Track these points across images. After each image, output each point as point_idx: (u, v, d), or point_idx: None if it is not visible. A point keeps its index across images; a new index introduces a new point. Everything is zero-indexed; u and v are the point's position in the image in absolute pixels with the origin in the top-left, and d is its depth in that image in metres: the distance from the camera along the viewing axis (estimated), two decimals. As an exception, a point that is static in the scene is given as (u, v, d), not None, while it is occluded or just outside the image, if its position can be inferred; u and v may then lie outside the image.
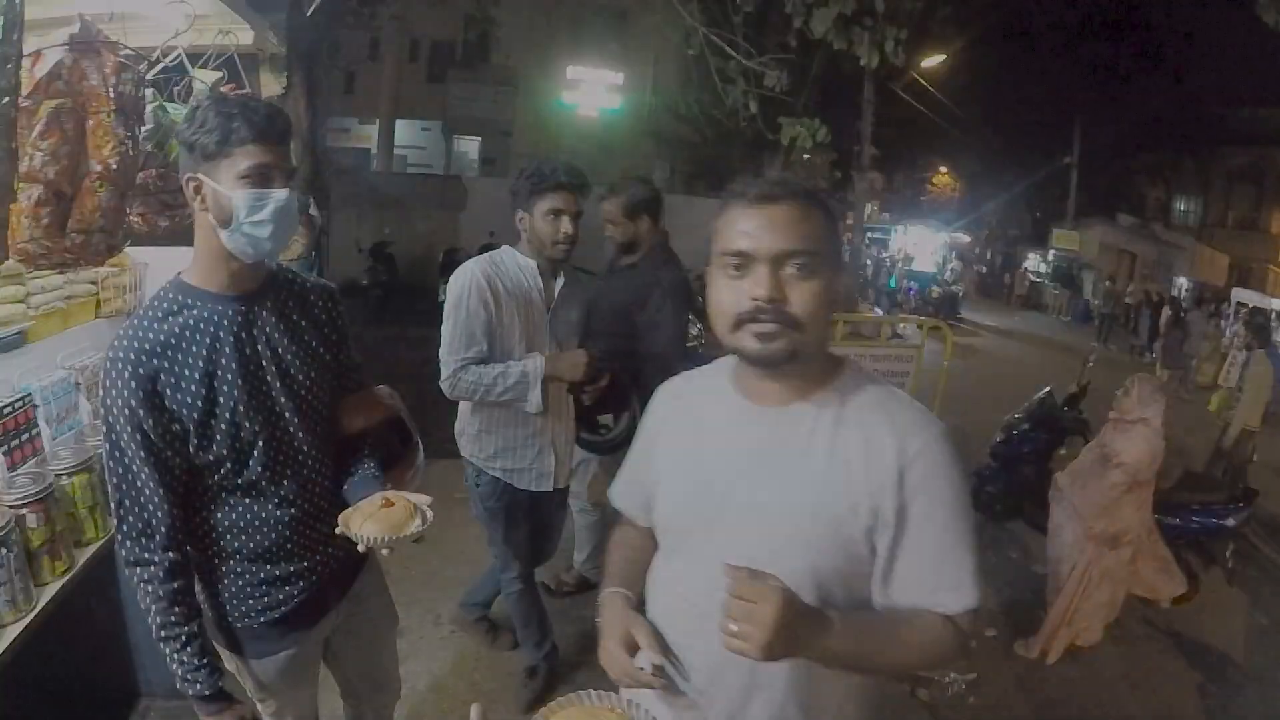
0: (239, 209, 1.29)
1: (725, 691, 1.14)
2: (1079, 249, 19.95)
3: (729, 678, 1.13)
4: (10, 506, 1.73)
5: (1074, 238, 20.12)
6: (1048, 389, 5.13)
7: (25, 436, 1.98)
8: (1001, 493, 4.75)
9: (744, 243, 1.04)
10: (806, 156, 14.18)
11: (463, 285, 2.27)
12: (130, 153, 1.98)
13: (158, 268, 2.65)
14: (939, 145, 21.28)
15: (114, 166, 1.91)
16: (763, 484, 1.11)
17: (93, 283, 2.47)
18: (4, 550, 1.64)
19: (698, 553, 1.16)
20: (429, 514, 1.47)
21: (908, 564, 1.08)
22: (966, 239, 22.10)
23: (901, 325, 9.11)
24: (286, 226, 1.35)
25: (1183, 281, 17.97)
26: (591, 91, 15.61)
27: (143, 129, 2.12)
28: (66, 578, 1.86)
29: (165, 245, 2.45)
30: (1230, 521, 3.88)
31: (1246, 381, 5.84)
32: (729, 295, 1.07)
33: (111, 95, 1.89)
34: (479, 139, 19.84)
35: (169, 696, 2.45)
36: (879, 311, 12.48)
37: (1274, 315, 12.19)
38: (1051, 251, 20.99)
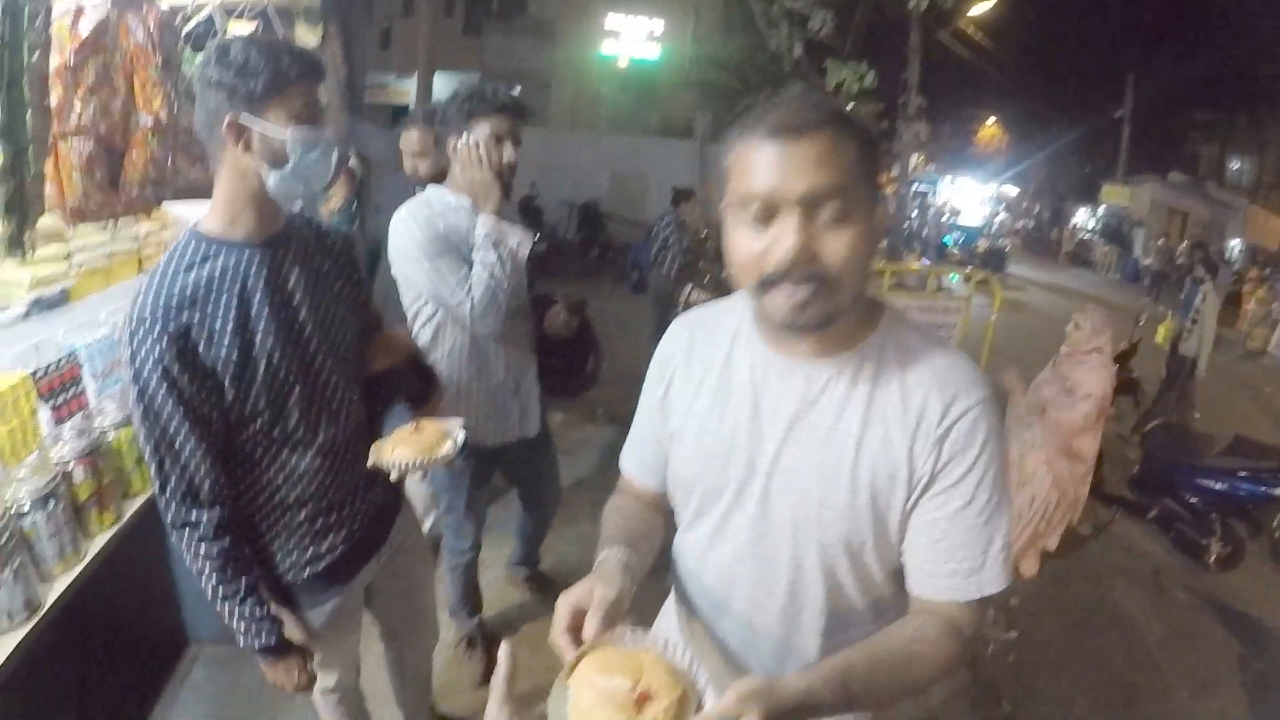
0: (295, 148, 1.27)
1: (758, 659, 1.10)
2: (1129, 206, 19.29)
3: (762, 647, 1.10)
4: (57, 462, 1.77)
5: (1124, 194, 19.40)
6: None
7: (71, 393, 2.01)
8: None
9: (766, 184, 0.87)
10: (852, 105, 13.86)
11: (411, 233, 2.04)
12: (177, 105, 1.99)
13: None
14: (987, 96, 20.62)
15: (164, 119, 1.92)
16: (795, 446, 1.00)
17: (135, 239, 2.49)
18: (52, 504, 1.68)
19: (724, 519, 1.08)
20: (460, 436, 1.47)
21: (929, 536, 0.98)
22: (1014, 192, 21.48)
23: (948, 277, 8.91)
24: (339, 164, 1.34)
25: (1235, 243, 17.30)
26: (631, 41, 15.30)
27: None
28: (114, 529, 1.90)
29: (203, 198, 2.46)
30: (1279, 491, 3.77)
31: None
32: (751, 249, 0.91)
33: (157, 48, 1.89)
34: (518, 90, 19.66)
35: (217, 642, 2.54)
36: (926, 263, 12.25)
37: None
38: (1101, 207, 20.30)
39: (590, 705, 0.77)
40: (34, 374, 1.86)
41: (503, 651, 0.83)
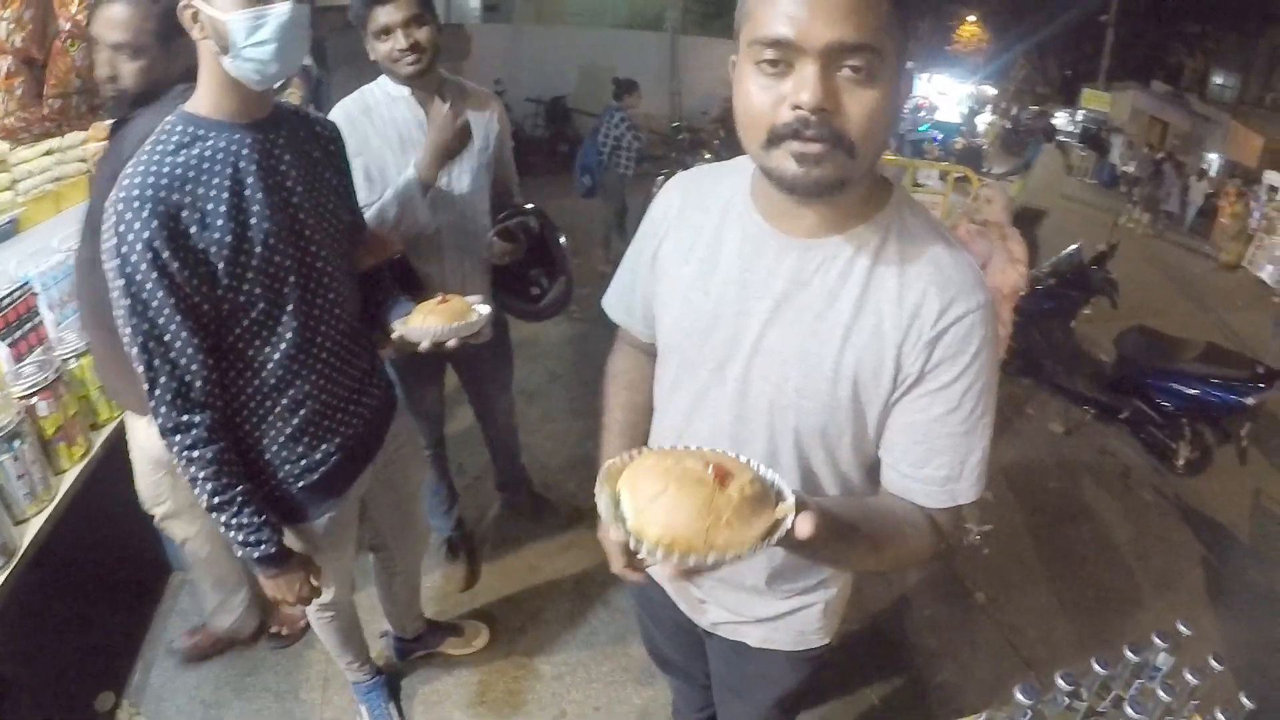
0: (236, 31, 1.17)
1: None
2: (1110, 111, 19.09)
3: None
4: (20, 397, 1.71)
5: (1105, 99, 19.08)
6: (1076, 245, 4.94)
7: (28, 326, 1.95)
8: (1022, 349, 4.71)
9: (786, 27, 0.76)
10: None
11: (341, 128, 1.90)
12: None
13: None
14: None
15: (84, 22, 1.77)
16: (781, 327, 0.95)
17: (82, 160, 2.37)
18: (18, 442, 1.63)
19: (702, 396, 1.04)
20: (485, 309, 1.45)
21: (909, 437, 0.95)
22: (993, 91, 21.16)
23: (925, 172, 8.84)
24: (294, 43, 1.22)
25: (1214, 157, 17.26)
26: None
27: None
28: (85, 462, 1.87)
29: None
30: (1250, 400, 3.82)
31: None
32: (762, 99, 0.81)
33: None
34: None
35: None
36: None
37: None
38: (1080, 112, 20.09)
39: (658, 491, 0.67)
40: (-13, 308, 1.79)
41: None
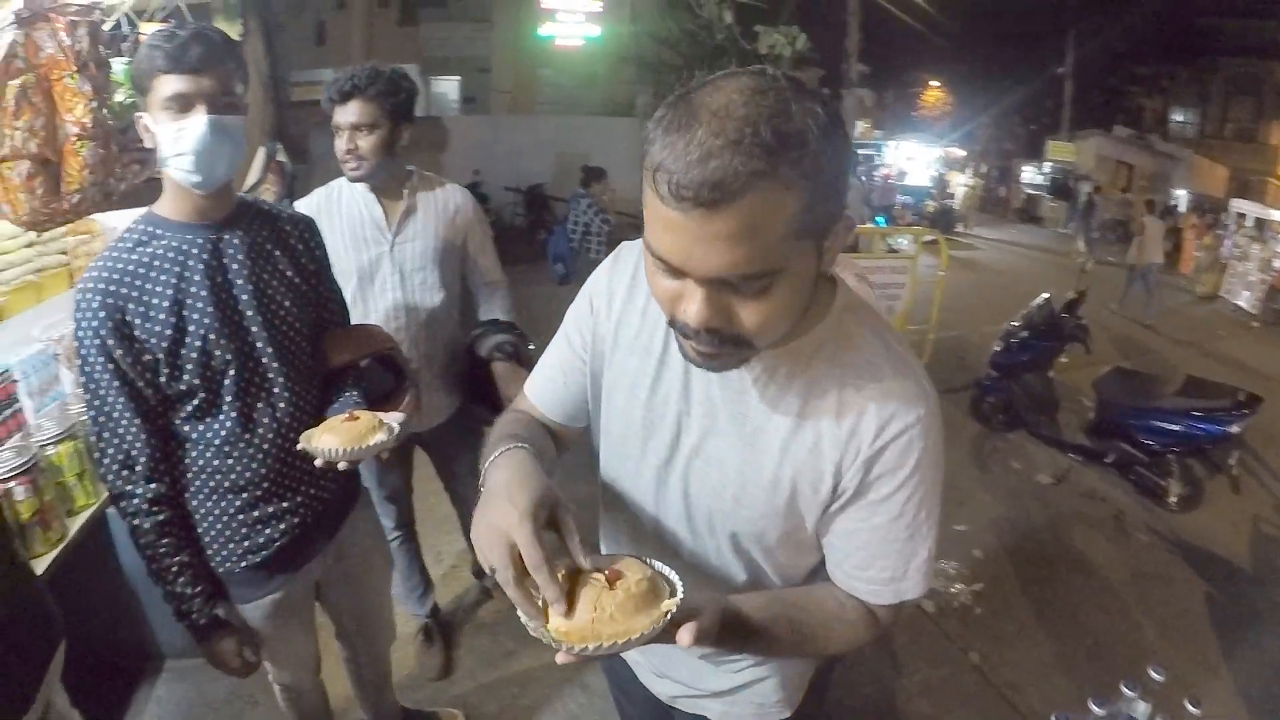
0: (161, 141, 1.30)
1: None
2: (1075, 160, 19.64)
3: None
4: (-4, 483, 1.71)
5: (1069, 149, 19.65)
6: (1046, 296, 5.07)
7: (7, 412, 1.96)
8: (1003, 403, 4.79)
9: (670, 254, 0.73)
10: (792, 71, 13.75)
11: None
12: (105, 105, 2.01)
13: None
14: (929, 59, 20.75)
15: (89, 123, 1.95)
16: (718, 436, 0.95)
17: (63, 253, 2.42)
18: (-8, 526, 1.62)
19: (657, 492, 1.02)
20: (396, 428, 1.44)
21: (850, 542, 0.94)
22: (961, 153, 21.77)
23: (896, 238, 9.08)
24: (213, 155, 1.31)
25: (1181, 193, 17.75)
26: (569, 21, 15.13)
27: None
28: (60, 548, 1.85)
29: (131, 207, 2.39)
30: (1234, 428, 3.85)
31: None
32: (660, 291, 0.79)
33: (69, 57, 1.91)
34: (457, 79, 19.46)
35: (192, 655, 2.47)
36: (880, 224, 12.48)
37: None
38: (1047, 164, 20.66)
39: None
40: (-35, 396, 1.80)
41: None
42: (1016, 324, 4.92)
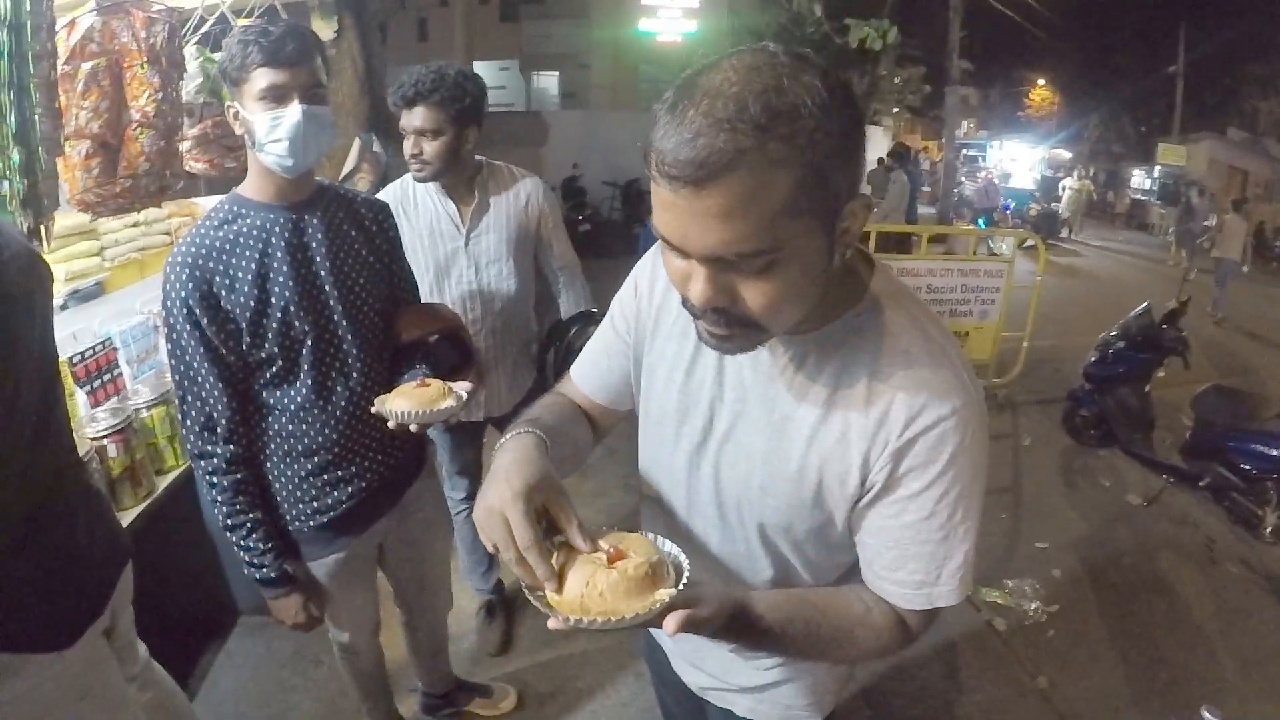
0: (257, 129, 1.40)
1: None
2: (1186, 165, 18.33)
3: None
4: (92, 439, 1.88)
5: (1180, 153, 18.30)
6: (1146, 305, 4.77)
7: (107, 377, 2.14)
8: (1096, 417, 4.56)
9: (668, 232, 0.73)
10: (898, 80, 13.43)
11: None
12: (170, 99, 2.13)
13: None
14: (1035, 57, 19.85)
15: (151, 113, 2.07)
16: (747, 421, 0.94)
17: (167, 234, 2.62)
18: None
19: (689, 478, 1.02)
20: (464, 395, 1.52)
21: (880, 540, 0.91)
22: (1067, 155, 20.68)
23: (996, 241, 8.71)
24: (306, 142, 1.43)
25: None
26: (667, 17, 15.19)
27: (186, 81, 2.24)
28: (148, 502, 2.00)
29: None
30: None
31: None
32: (673, 271, 0.79)
33: (142, 48, 2.04)
34: (557, 74, 19.81)
35: (265, 612, 2.64)
36: (981, 225, 12.00)
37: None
38: (1157, 168, 19.36)
39: (561, 563, 0.81)
40: (70, 359, 1.98)
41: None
42: (1114, 334, 4.67)
